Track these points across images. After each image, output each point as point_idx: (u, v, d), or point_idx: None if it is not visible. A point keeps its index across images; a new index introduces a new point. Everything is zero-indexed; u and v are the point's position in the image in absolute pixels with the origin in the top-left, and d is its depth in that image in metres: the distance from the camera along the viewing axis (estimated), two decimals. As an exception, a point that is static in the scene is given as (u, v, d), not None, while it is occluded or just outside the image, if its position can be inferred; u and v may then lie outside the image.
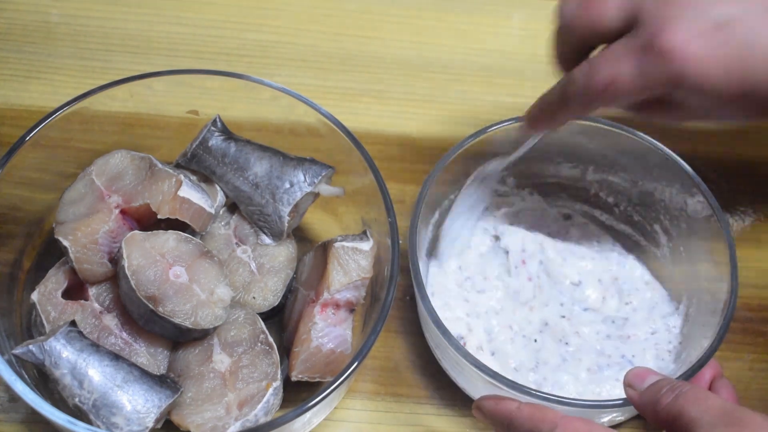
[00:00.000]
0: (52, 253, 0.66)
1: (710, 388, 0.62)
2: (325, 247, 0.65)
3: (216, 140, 0.69)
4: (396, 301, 0.73)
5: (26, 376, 0.59)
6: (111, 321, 0.63)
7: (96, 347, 0.59)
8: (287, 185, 0.67)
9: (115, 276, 0.63)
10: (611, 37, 0.59)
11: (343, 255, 0.64)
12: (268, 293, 0.66)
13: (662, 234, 0.74)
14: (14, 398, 0.67)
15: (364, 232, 0.66)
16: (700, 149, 0.83)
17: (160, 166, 0.65)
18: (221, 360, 0.62)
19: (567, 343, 0.69)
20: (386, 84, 0.88)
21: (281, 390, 0.62)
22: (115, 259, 0.64)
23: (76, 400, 0.58)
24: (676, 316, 0.70)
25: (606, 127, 0.71)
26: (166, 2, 0.91)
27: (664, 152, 0.69)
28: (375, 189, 0.66)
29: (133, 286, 0.60)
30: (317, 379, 0.63)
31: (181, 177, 0.65)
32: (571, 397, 0.65)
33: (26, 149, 0.65)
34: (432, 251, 0.72)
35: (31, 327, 0.65)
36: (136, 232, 0.63)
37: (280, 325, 0.67)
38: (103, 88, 0.68)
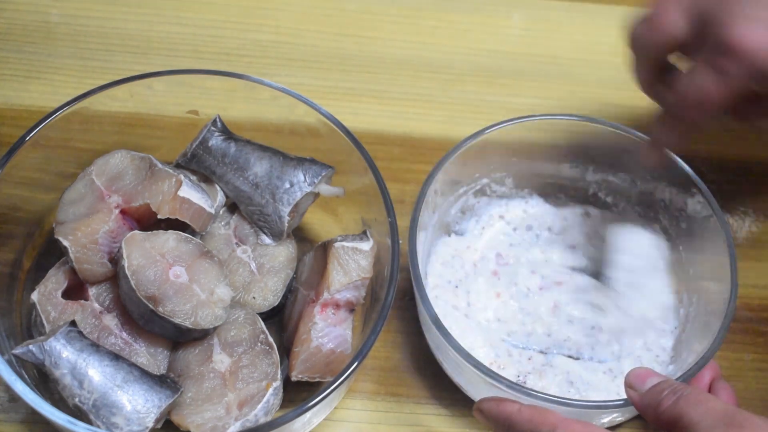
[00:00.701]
0: (52, 253, 0.66)
1: (709, 390, 0.62)
2: (325, 247, 0.65)
3: (216, 140, 0.69)
4: (396, 301, 0.73)
5: (26, 376, 0.59)
6: (111, 321, 0.63)
7: (96, 347, 0.59)
8: (287, 185, 0.67)
9: (115, 276, 0.63)
10: (685, 43, 0.61)
11: (343, 255, 0.64)
12: (268, 293, 0.66)
13: (662, 234, 0.74)
14: (14, 398, 0.67)
15: (364, 232, 0.66)
16: (700, 149, 0.82)
17: (160, 166, 0.65)
18: (221, 360, 0.62)
19: (565, 340, 0.69)
20: (386, 84, 0.88)
21: (281, 390, 0.62)
22: (115, 259, 0.64)
23: (76, 400, 0.58)
24: (676, 316, 0.70)
25: (606, 127, 0.71)
26: (166, 2, 0.91)
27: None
28: (375, 189, 0.66)
29: (133, 286, 0.60)
30: (317, 379, 0.63)
31: (181, 177, 0.65)
32: (572, 398, 0.65)
33: (26, 149, 0.65)
34: None
35: (31, 327, 0.65)
36: (136, 232, 0.63)
37: (280, 325, 0.67)
38: (103, 88, 0.68)
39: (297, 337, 0.63)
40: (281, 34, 0.90)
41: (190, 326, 0.61)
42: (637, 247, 0.73)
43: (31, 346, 0.58)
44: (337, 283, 0.63)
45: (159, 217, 0.64)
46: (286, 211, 0.67)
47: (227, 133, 0.70)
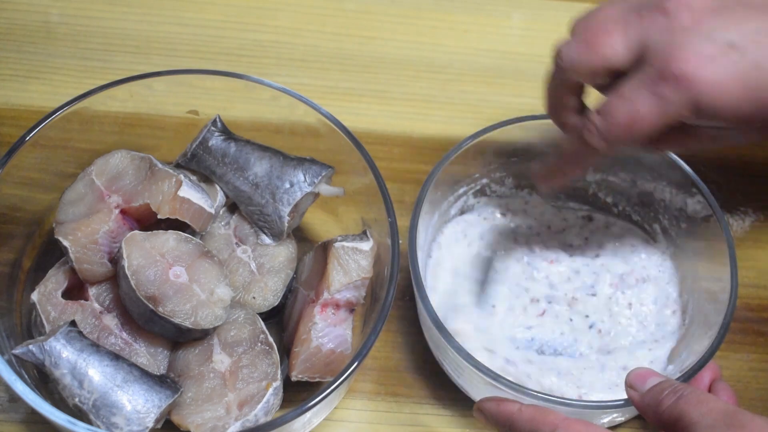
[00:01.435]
0: (52, 253, 0.67)
1: (709, 391, 0.62)
2: (325, 247, 0.65)
3: (216, 140, 0.69)
4: (396, 301, 0.73)
5: (26, 376, 0.59)
6: (111, 321, 0.63)
7: (96, 347, 0.59)
8: (287, 185, 0.67)
9: (115, 276, 0.63)
10: (616, 74, 0.59)
11: (343, 255, 0.64)
12: (268, 293, 0.66)
13: (662, 234, 0.74)
14: (14, 398, 0.67)
15: (364, 232, 0.66)
16: (700, 149, 0.82)
17: (160, 166, 0.65)
18: (221, 360, 0.62)
19: (564, 337, 0.69)
20: (386, 84, 0.88)
21: (281, 390, 0.62)
22: (115, 259, 0.64)
23: (76, 400, 0.58)
24: (676, 316, 0.70)
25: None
26: (166, 2, 0.91)
27: (663, 152, 0.69)
28: (375, 189, 0.66)
29: (133, 286, 0.60)
30: (317, 379, 0.63)
31: (181, 177, 0.65)
32: (572, 398, 0.65)
33: (26, 149, 0.65)
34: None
35: (31, 327, 0.65)
36: (136, 232, 0.63)
37: (280, 325, 0.67)
38: (103, 88, 0.68)
39: (297, 337, 0.63)
40: (281, 34, 0.90)
41: (190, 326, 0.61)
42: (633, 252, 0.73)
43: (31, 346, 0.58)
44: (337, 283, 0.63)
45: (159, 217, 0.64)
46: (286, 211, 0.67)
47: (227, 133, 0.70)
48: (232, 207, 0.70)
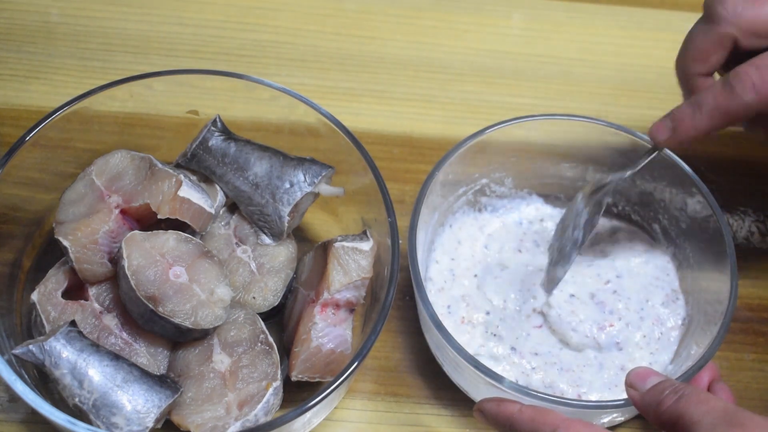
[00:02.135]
0: (52, 253, 0.66)
1: (708, 391, 0.62)
2: (325, 247, 0.65)
3: (216, 140, 0.69)
4: (396, 301, 0.73)
5: (26, 376, 0.59)
6: (111, 321, 0.63)
7: (96, 347, 0.59)
8: (287, 185, 0.67)
9: (115, 276, 0.63)
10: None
11: (343, 255, 0.64)
12: (268, 293, 0.66)
13: (662, 234, 0.74)
14: (14, 398, 0.66)
15: (364, 232, 0.66)
16: (700, 149, 0.82)
17: (160, 166, 0.65)
18: (221, 360, 0.62)
19: (565, 340, 0.69)
20: (386, 84, 0.88)
21: (281, 390, 0.62)
22: (115, 259, 0.64)
23: (76, 400, 0.58)
24: (676, 316, 0.70)
25: (606, 127, 0.71)
26: (166, 2, 0.91)
27: (663, 152, 0.69)
28: (375, 189, 0.66)
29: (133, 286, 0.60)
30: (317, 379, 0.63)
31: (181, 177, 0.65)
32: (572, 398, 0.65)
33: (26, 149, 0.65)
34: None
35: (31, 327, 0.65)
36: (136, 232, 0.63)
37: (280, 325, 0.67)
38: (103, 88, 0.68)
39: (297, 337, 0.63)
40: (281, 34, 0.90)
41: (190, 326, 0.61)
42: (633, 252, 0.73)
43: (31, 346, 0.58)
44: (337, 283, 0.63)
45: (159, 217, 0.64)
46: (286, 211, 0.67)
47: (227, 133, 0.70)
48: (232, 207, 0.70)
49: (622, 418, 0.65)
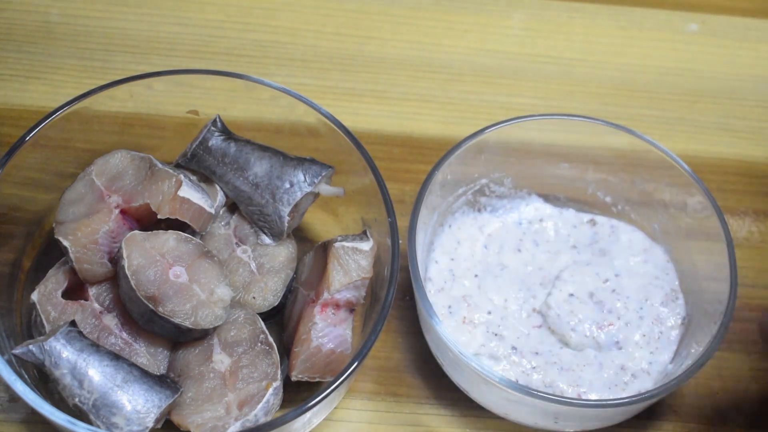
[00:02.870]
0: (52, 253, 0.66)
1: None
2: (325, 247, 0.65)
3: (216, 140, 0.69)
4: (396, 301, 0.73)
5: (26, 376, 0.59)
6: (111, 321, 0.63)
7: (96, 347, 0.59)
8: (287, 185, 0.67)
9: (115, 276, 0.64)
10: None
11: (343, 255, 0.64)
12: (268, 293, 0.66)
13: (661, 234, 0.74)
14: (14, 398, 0.67)
15: (364, 232, 0.66)
16: (700, 149, 0.83)
17: (160, 166, 0.66)
18: (221, 360, 0.62)
19: (565, 339, 0.69)
20: (386, 84, 0.88)
21: (281, 390, 0.62)
22: (115, 259, 0.64)
23: (76, 400, 0.58)
24: (676, 315, 0.70)
25: (605, 126, 0.71)
26: (166, 2, 0.91)
27: (664, 152, 0.69)
28: (375, 189, 0.66)
29: (133, 286, 0.60)
30: (317, 379, 0.63)
31: (181, 177, 0.65)
32: (572, 397, 0.65)
33: (26, 149, 0.65)
34: None
35: (31, 327, 0.65)
36: (136, 232, 0.63)
37: (280, 325, 0.67)
38: (103, 88, 0.68)
39: (297, 337, 0.63)
40: (281, 34, 0.90)
41: (190, 326, 0.61)
42: (632, 252, 0.73)
43: (31, 346, 0.58)
44: (337, 283, 0.63)
45: (159, 217, 0.64)
46: (286, 211, 0.67)
47: (227, 133, 0.70)
48: (232, 207, 0.70)
49: (622, 418, 0.66)
